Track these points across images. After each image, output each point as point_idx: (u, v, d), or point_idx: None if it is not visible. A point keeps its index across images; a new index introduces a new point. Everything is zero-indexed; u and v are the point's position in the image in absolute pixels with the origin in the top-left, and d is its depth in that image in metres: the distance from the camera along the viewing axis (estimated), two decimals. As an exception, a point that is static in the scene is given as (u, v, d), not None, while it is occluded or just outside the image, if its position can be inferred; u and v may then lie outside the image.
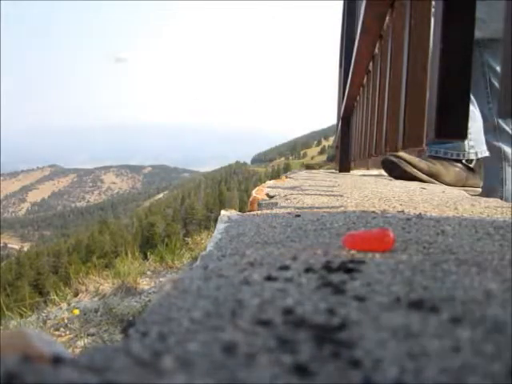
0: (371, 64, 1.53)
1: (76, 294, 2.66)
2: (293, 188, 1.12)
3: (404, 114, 0.86)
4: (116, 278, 2.68)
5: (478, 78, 1.60)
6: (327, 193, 0.99)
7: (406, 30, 0.83)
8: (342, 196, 0.89)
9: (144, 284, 2.59)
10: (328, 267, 0.31)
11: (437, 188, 1.23)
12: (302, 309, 0.23)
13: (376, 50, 1.38)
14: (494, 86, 1.63)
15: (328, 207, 0.70)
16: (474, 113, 1.53)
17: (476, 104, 1.57)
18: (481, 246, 0.38)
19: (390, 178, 1.73)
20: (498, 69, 1.63)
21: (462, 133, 0.45)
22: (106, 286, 2.63)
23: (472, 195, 1.27)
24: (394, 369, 0.16)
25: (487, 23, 1.41)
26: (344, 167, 2.75)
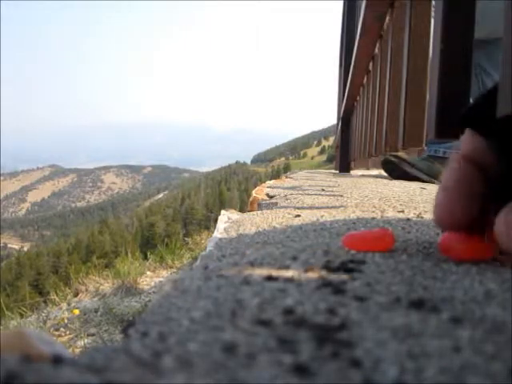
0: (371, 64, 1.53)
1: (76, 294, 2.67)
2: (293, 188, 1.12)
3: (404, 114, 0.86)
4: (116, 278, 2.69)
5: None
6: (327, 193, 0.99)
7: (406, 30, 0.83)
8: (342, 196, 0.89)
9: (144, 284, 2.59)
10: (328, 267, 0.31)
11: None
12: (302, 309, 0.23)
13: (376, 50, 1.38)
14: (486, 86, 1.64)
15: (328, 207, 0.70)
16: None
17: None
18: (481, 245, 0.38)
19: (390, 178, 1.73)
20: (490, 69, 1.64)
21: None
22: (106, 286, 2.63)
23: None
24: (394, 368, 0.16)
25: (480, 24, 1.41)
26: (344, 167, 2.75)
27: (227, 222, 0.57)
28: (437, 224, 0.33)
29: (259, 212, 0.65)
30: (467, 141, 0.33)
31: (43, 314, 2.28)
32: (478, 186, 0.31)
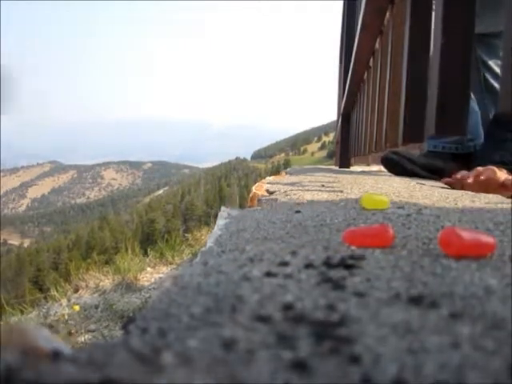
0: (371, 60, 1.53)
1: (76, 290, 2.67)
2: (293, 184, 1.12)
3: (404, 109, 0.86)
4: (116, 274, 2.69)
5: (472, 72, 1.61)
6: (327, 189, 0.99)
7: (407, 26, 0.82)
8: (342, 192, 0.89)
9: (144, 280, 2.59)
10: (328, 263, 0.31)
11: (437, 184, 1.23)
12: (302, 305, 0.23)
13: (376, 46, 1.38)
14: (488, 81, 1.64)
15: (328, 203, 0.70)
16: (472, 106, 1.53)
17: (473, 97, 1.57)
18: (481, 241, 0.38)
19: (389, 174, 1.73)
20: (491, 63, 1.63)
21: (461, 128, 0.45)
22: (107, 282, 2.64)
23: None
24: (393, 364, 0.16)
25: (480, 18, 1.41)
26: (344, 163, 2.75)
27: (227, 218, 0.57)
28: None
29: (259, 208, 0.65)
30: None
31: (43, 310, 2.29)
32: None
